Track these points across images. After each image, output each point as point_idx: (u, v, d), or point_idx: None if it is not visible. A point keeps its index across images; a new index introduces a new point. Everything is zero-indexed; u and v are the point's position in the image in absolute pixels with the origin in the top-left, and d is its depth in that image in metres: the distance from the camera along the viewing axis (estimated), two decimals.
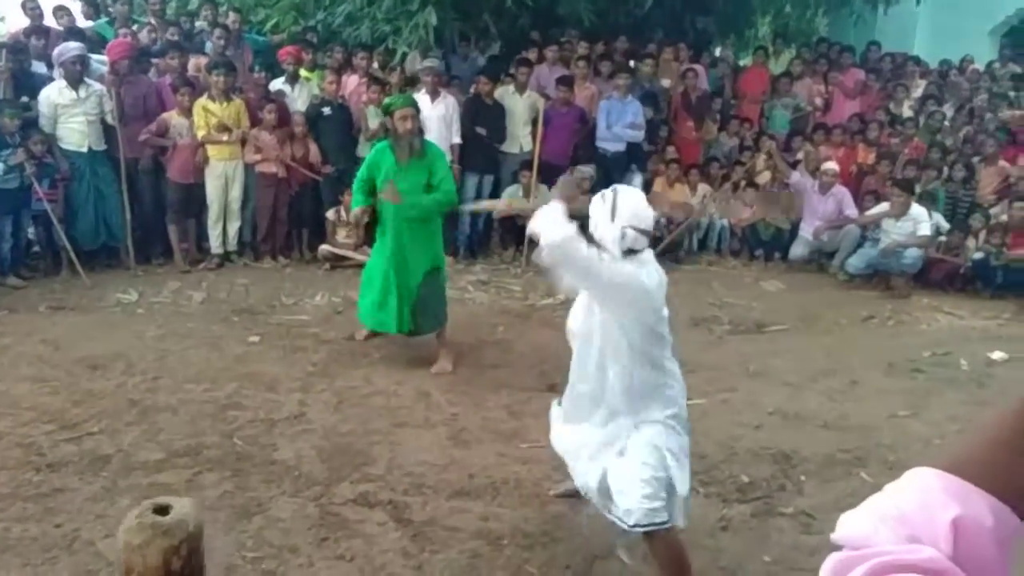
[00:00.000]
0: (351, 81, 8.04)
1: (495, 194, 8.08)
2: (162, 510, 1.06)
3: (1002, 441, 0.71)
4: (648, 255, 2.77)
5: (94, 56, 7.26)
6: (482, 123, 7.86)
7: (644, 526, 2.60)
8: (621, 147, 8.18)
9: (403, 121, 4.74)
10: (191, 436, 3.96)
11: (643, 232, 2.71)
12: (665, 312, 2.77)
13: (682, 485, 2.68)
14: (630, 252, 2.69)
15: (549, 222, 2.59)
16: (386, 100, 5.29)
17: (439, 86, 7.67)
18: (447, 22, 8.26)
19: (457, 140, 7.73)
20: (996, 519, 0.68)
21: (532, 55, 8.64)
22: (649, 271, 2.70)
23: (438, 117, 7.60)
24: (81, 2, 7.97)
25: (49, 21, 7.79)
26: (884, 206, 7.67)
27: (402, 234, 4.85)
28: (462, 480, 3.62)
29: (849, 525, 0.72)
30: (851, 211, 8.02)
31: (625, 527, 2.64)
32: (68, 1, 8.10)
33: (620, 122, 8.11)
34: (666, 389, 2.77)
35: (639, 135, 8.19)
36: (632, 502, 2.60)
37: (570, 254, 2.57)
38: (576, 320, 2.89)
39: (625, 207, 2.70)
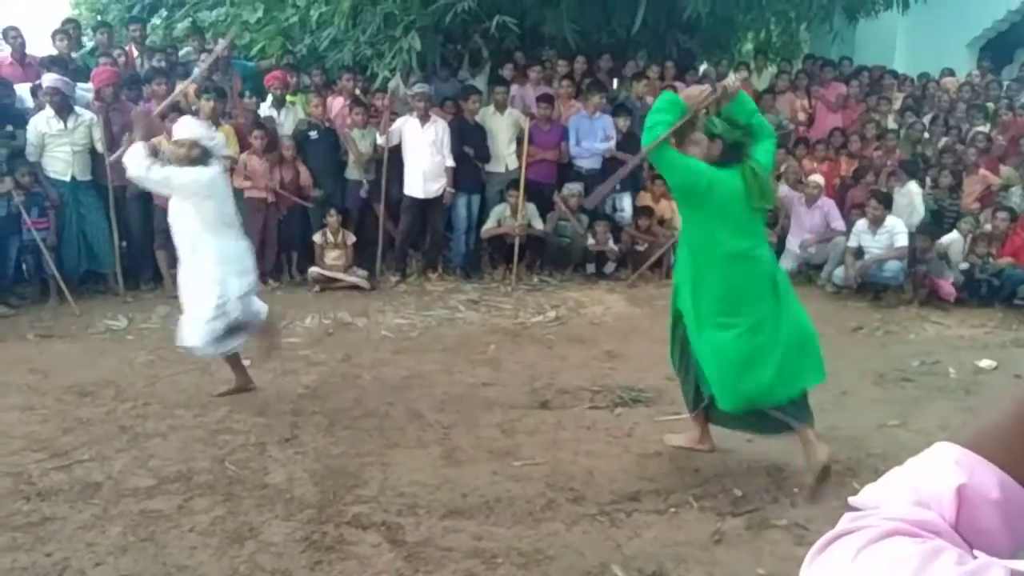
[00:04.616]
0: (336, 103, 8.07)
1: (482, 213, 8.10)
2: None
3: (1019, 418, 0.75)
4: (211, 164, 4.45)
5: (80, 85, 7.27)
6: (467, 143, 7.88)
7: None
8: (596, 164, 8.15)
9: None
10: (182, 461, 3.94)
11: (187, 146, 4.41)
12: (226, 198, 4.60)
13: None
14: (194, 162, 4.39)
15: (130, 156, 4.38)
16: None
17: (429, 110, 7.69)
18: (432, 47, 8.31)
19: (451, 163, 7.74)
20: (1003, 493, 0.72)
21: (508, 72, 8.67)
22: (200, 170, 4.39)
23: (429, 143, 7.61)
24: (60, 34, 7.97)
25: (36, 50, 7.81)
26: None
27: None
28: (455, 499, 3.61)
29: (866, 491, 0.78)
30: (838, 223, 8.06)
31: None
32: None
33: (589, 138, 8.11)
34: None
35: (610, 146, 8.09)
36: None
37: (145, 178, 4.46)
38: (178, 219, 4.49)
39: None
